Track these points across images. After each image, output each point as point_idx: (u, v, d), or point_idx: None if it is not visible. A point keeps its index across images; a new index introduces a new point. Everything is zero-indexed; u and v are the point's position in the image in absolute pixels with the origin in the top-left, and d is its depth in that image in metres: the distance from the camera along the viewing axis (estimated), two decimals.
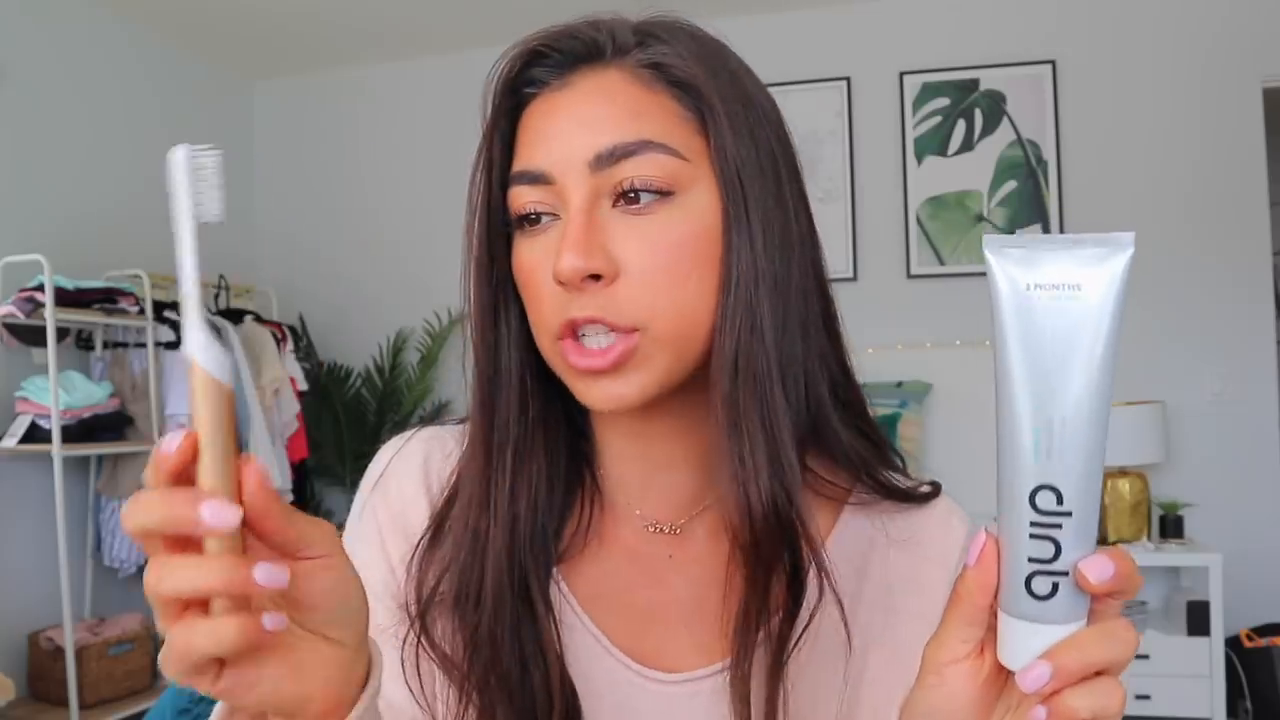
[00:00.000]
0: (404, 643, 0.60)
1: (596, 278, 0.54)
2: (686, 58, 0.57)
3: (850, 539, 0.63)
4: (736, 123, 0.57)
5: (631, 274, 0.54)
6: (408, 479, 0.65)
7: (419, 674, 0.60)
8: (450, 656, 0.59)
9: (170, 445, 0.38)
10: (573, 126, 0.56)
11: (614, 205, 0.55)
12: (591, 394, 0.56)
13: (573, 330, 0.55)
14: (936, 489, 0.65)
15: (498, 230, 0.59)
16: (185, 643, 0.37)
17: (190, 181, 0.40)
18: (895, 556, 0.62)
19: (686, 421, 0.61)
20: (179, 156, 0.41)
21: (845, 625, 0.58)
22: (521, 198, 0.57)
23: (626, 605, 0.62)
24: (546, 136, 0.57)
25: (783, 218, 0.57)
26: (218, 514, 0.37)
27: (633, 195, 0.55)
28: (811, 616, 0.56)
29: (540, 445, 0.60)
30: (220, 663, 0.39)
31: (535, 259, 0.57)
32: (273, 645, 0.40)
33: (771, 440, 0.55)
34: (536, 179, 0.56)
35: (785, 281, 0.57)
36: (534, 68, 0.59)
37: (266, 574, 0.38)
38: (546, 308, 0.56)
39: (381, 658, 0.48)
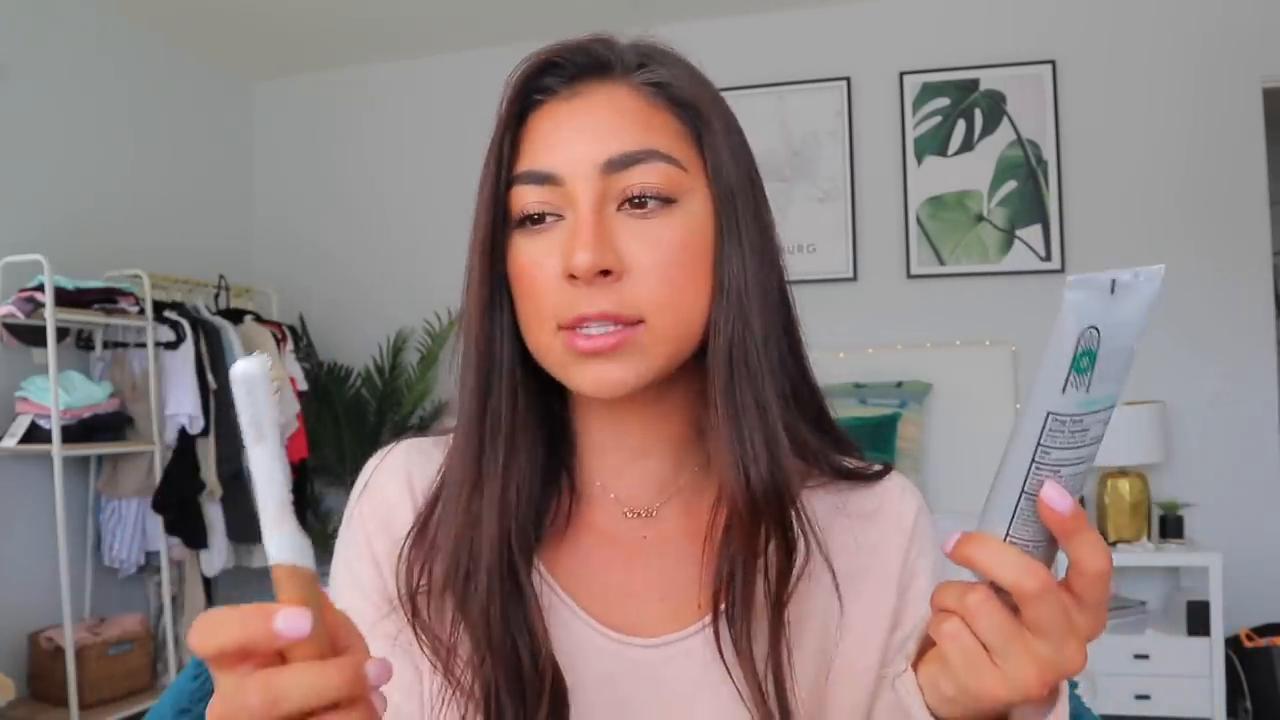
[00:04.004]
0: (398, 634, 0.64)
1: (606, 273, 0.58)
2: (685, 81, 0.64)
3: (811, 515, 0.67)
4: (728, 143, 0.63)
5: (637, 271, 0.59)
6: (391, 485, 0.69)
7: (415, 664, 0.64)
8: (441, 639, 0.63)
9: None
10: (583, 133, 0.61)
11: (618, 209, 0.60)
12: (587, 377, 0.60)
13: (579, 324, 0.59)
14: (888, 468, 0.72)
15: (500, 227, 0.63)
16: None
17: (268, 391, 0.40)
18: (855, 528, 0.68)
19: (661, 412, 0.66)
20: (254, 369, 0.39)
21: (834, 580, 0.65)
22: (527, 196, 0.61)
23: (604, 584, 0.67)
24: (556, 140, 0.61)
25: (761, 231, 0.64)
26: (294, 622, 0.39)
27: (639, 200, 0.60)
28: (801, 570, 0.63)
29: (527, 436, 0.64)
30: None
31: (536, 256, 0.61)
32: None
33: (766, 425, 0.62)
34: (544, 179, 0.61)
35: (768, 288, 0.63)
36: (546, 76, 0.63)
37: (377, 670, 0.41)
38: (549, 302, 0.60)
39: None
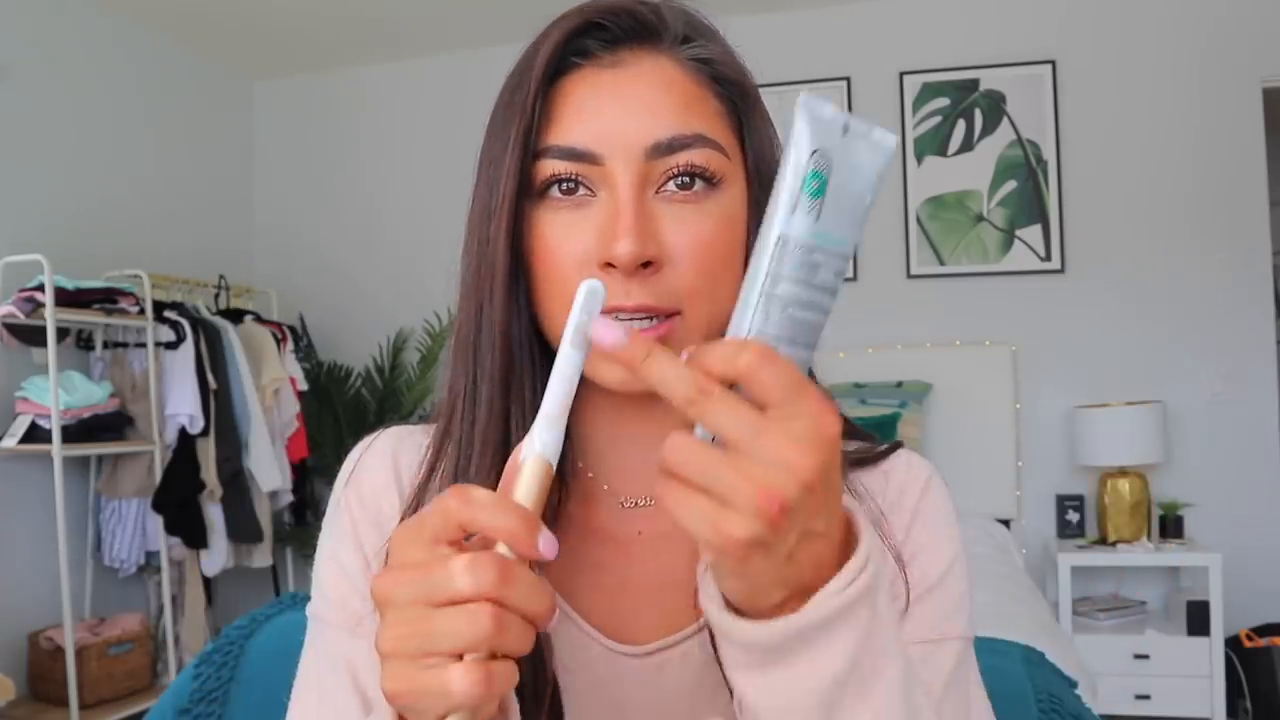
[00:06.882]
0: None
1: (646, 265, 0.54)
2: (730, 59, 0.60)
3: (861, 490, 0.65)
4: (767, 129, 0.60)
5: (676, 260, 0.55)
6: (379, 472, 0.66)
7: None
8: None
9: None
10: (627, 109, 0.56)
11: (658, 192, 0.56)
12: (616, 374, 0.55)
13: (611, 315, 0.54)
14: (895, 445, 0.68)
15: (521, 198, 0.58)
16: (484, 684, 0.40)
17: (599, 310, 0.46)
18: (861, 509, 0.63)
19: (664, 402, 0.62)
20: (600, 289, 0.46)
21: (904, 575, 0.61)
22: (555, 168, 0.56)
23: (596, 582, 0.63)
24: (596, 113, 0.56)
25: None
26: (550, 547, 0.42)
27: (686, 180, 0.56)
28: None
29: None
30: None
31: (562, 234, 0.56)
32: None
33: None
34: (580, 156, 0.55)
35: None
36: (586, 38, 0.57)
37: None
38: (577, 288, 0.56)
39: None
